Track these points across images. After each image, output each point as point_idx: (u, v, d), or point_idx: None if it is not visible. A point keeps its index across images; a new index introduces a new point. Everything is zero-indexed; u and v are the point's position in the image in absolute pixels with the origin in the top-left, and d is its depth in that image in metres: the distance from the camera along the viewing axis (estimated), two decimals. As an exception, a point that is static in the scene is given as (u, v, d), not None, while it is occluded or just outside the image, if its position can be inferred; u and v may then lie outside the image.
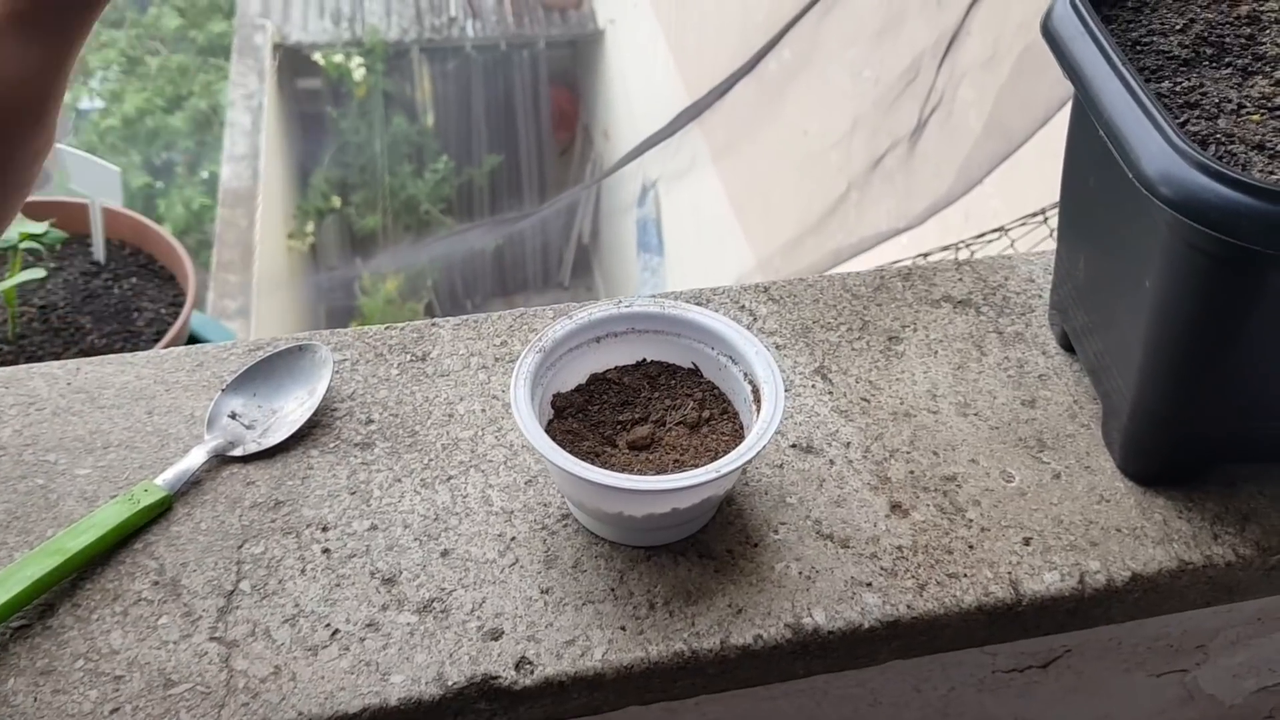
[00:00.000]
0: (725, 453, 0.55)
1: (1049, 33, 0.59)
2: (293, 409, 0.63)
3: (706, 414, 0.60)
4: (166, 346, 1.11)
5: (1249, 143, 0.52)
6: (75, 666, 0.51)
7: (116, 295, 1.29)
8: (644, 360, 0.62)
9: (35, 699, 0.50)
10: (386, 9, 5.81)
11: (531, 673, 0.52)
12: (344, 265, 5.52)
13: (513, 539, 0.57)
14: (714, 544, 0.57)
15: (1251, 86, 0.56)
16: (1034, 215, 1.42)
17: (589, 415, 0.60)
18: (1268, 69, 0.57)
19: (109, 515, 0.56)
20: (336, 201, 5.55)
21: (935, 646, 0.57)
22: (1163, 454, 0.60)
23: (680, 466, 0.57)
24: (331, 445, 0.62)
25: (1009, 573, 0.56)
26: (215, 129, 5.05)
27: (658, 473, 0.57)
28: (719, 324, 0.60)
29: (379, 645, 0.53)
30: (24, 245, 1.24)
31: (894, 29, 2.35)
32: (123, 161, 4.79)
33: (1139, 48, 0.59)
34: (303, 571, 0.56)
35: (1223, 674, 0.73)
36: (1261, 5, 0.61)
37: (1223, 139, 0.53)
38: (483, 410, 0.64)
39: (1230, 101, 0.55)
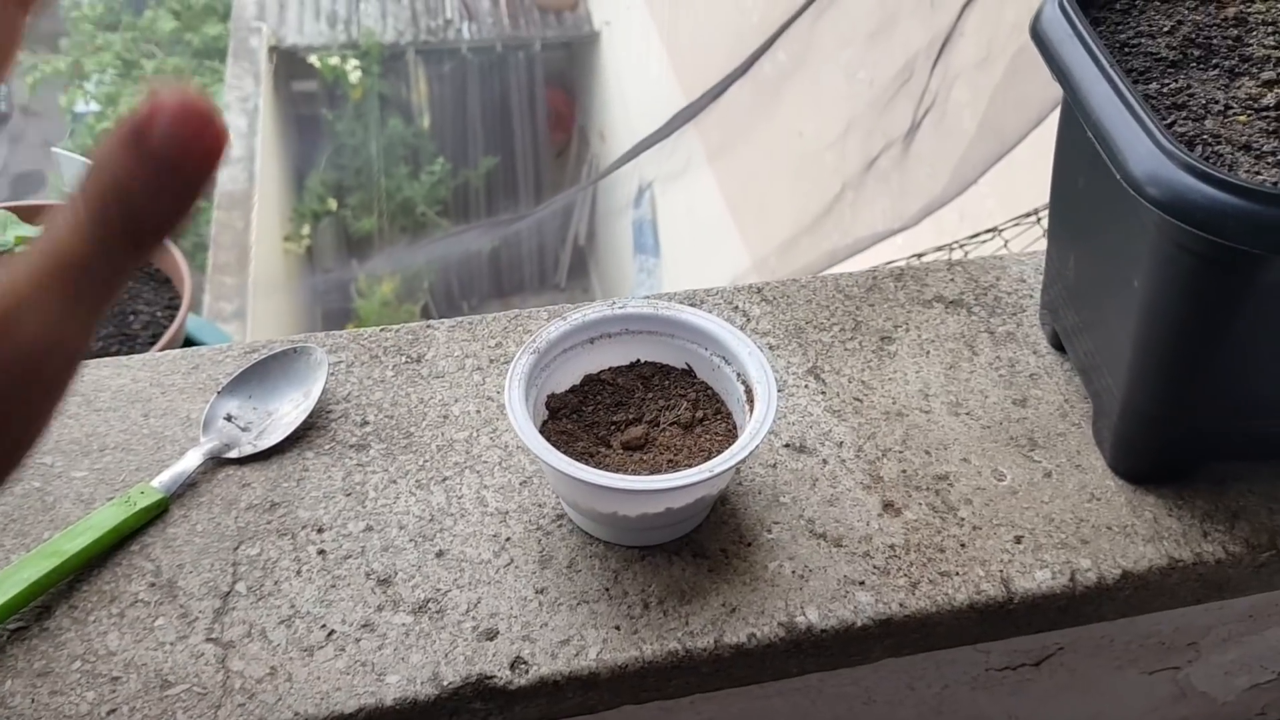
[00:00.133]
0: (719, 453, 0.55)
1: (1038, 35, 0.60)
2: (288, 411, 0.64)
3: (700, 414, 0.61)
4: (163, 349, 1.11)
5: (1235, 143, 0.53)
6: (72, 668, 0.52)
7: (112, 298, 1.29)
8: (638, 361, 0.63)
9: (33, 700, 0.50)
10: (382, 11, 5.82)
11: (526, 672, 0.52)
12: (340, 268, 5.53)
13: (508, 539, 0.58)
14: (708, 543, 0.58)
15: (1238, 88, 0.57)
16: (1027, 215, 1.42)
17: (583, 416, 0.61)
18: (1254, 70, 0.58)
19: (105, 517, 0.56)
20: (332, 204, 5.55)
21: (928, 644, 0.57)
22: (1153, 452, 0.61)
23: (674, 467, 0.57)
24: (327, 447, 0.62)
25: (1000, 571, 0.57)
26: (211, 132, 5.04)
27: (652, 473, 0.57)
28: (712, 325, 0.60)
29: (374, 646, 0.53)
30: (19, 249, 1.24)
31: (888, 30, 2.35)
32: (118, 165, 4.78)
33: (1127, 50, 0.59)
34: (298, 573, 0.56)
35: (1215, 671, 0.74)
36: (1248, 7, 0.62)
37: (1209, 140, 0.53)
38: (478, 411, 0.65)
39: (1217, 103, 0.56)
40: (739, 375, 0.59)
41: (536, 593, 0.55)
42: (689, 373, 0.62)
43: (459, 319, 0.71)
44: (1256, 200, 0.47)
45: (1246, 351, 0.55)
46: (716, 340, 0.60)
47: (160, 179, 0.26)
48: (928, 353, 0.69)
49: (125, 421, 0.63)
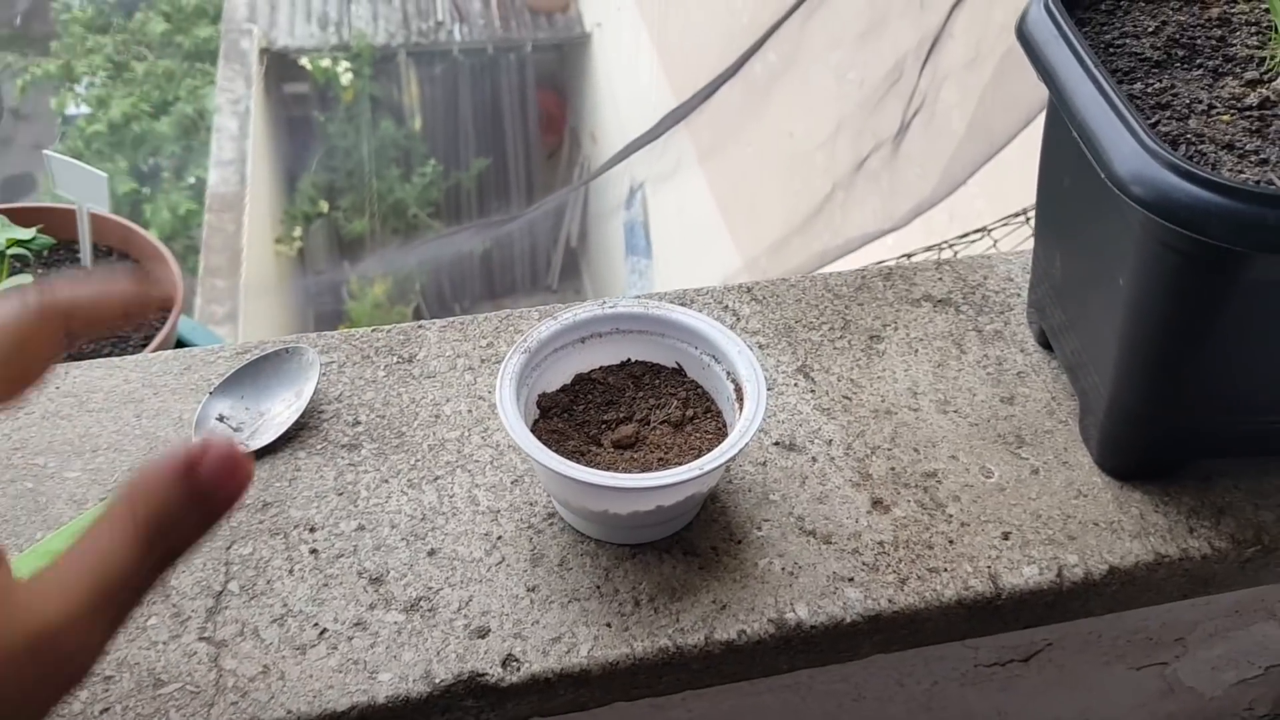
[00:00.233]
0: (709, 451, 0.55)
1: (1024, 36, 0.60)
2: (280, 411, 0.64)
3: (690, 413, 0.61)
4: (155, 351, 1.11)
5: (1219, 142, 0.53)
6: (65, 667, 0.52)
7: (104, 301, 1.29)
8: (629, 360, 0.63)
9: (26, 700, 0.50)
10: (373, 13, 5.81)
11: (518, 670, 0.52)
12: (332, 270, 5.52)
13: (499, 538, 0.58)
14: (698, 541, 0.58)
15: (1222, 87, 0.57)
16: (1016, 215, 1.43)
17: (574, 415, 0.61)
18: (1238, 70, 0.58)
19: (98, 518, 0.56)
20: (324, 206, 5.55)
21: (917, 640, 0.58)
22: (1139, 449, 0.61)
23: (664, 465, 0.58)
24: (319, 447, 0.63)
25: (988, 567, 0.57)
26: (202, 134, 5.04)
27: (642, 471, 0.57)
28: (702, 324, 0.61)
29: (367, 644, 0.53)
30: (11, 251, 1.24)
31: (877, 31, 2.36)
32: (109, 167, 4.78)
33: (1112, 50, 0.60)
34: (290, 572, 0.56)
35: (1202, 666, 0.74)
36: (1232, 8, 0.62)
37: (1193, 139, 0.54)
38: (469, 411, 0.65)
39: (1201, 102, 0.56)
40: (729, 374, 0.60)
41: (528, 590, 0.56)
42: (679, 371, 0.63)
43: (450, 319, 0.71)
44: (1239, 199, 0.48)
45: (1231, 349, 0.55)
46: (706, 339, 0.61)
47: (201, 507, 0.31)
48: (916, 351, 0.69)
49: (118, 422, 0.64)
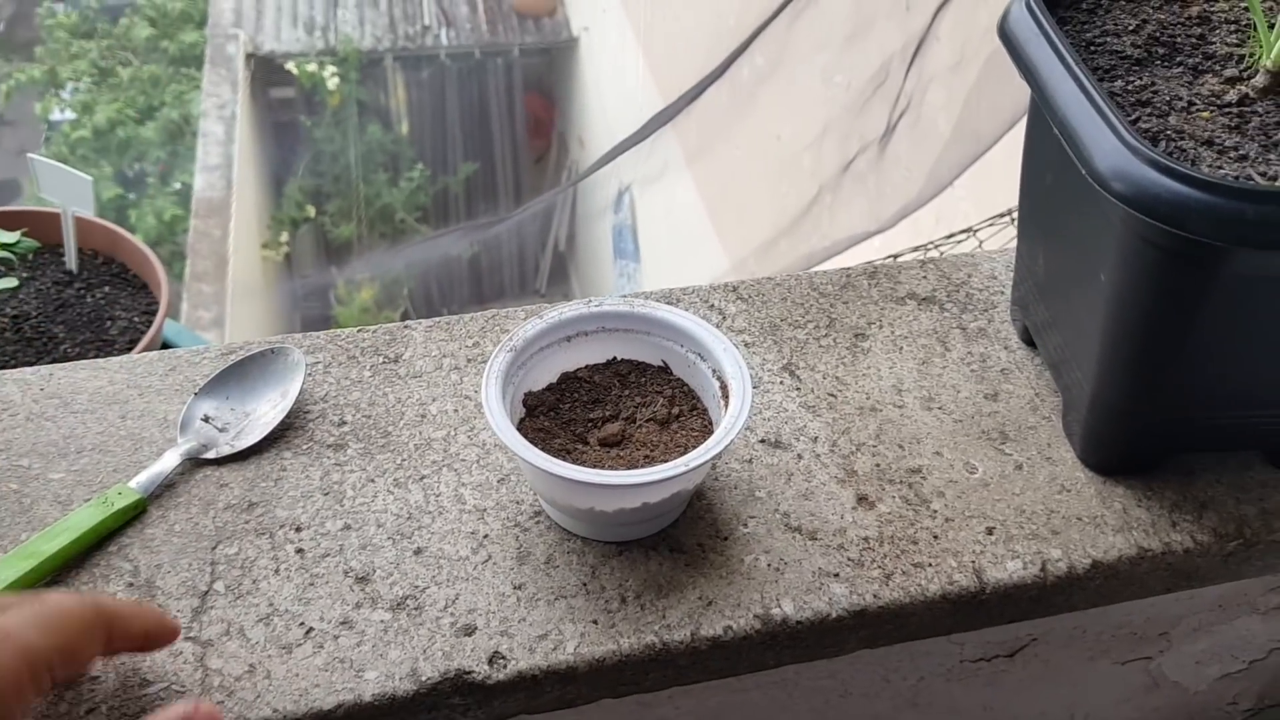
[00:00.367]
0: (695, 448, 0.55)
1: (1005, 35, 0.61)
2: (265, 411, 0.64)
3: (676, 410, 0.61)
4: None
5: (1198, 139, 0.54)
6: (50, 668, 0.52)
7: (89, 304, 1.29)
8: (614, 358, 0.63)
9: (11, 700, 0.50)
10: (360, 18, 5.80)
11: (504, 667, 0.53)
12: (319, 275, 5.51)
13: (485, 536, 0.58)
14: (684, 538, 0.58)
15: (1202, 84, 0.58)
16: (1002, 215, 1.44)
17: (560, 413, 0.61)
18: (1217, 68, 0.59)
19: (83, 518, 0.56)
20: (311, 211, 5.53)
21: (902, 635, 0.58)
22: (1121, 444, 0.62)
23: (651, 462, 0.58)
24: (304, 447, 0.63)
25: (972, 562, 0.58)
26: (188, 139, 5.03)
27: (628, 468, 0.57)
28: (687, 322, 0.61)
29: (353, 642, 0.53)
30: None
31: (863, 34, 2.37)
32: (94, 173, 4.76)
33: (1093, 48, 0.60)
34: (276, 571, 0.56)
35: (1186, 661, 0.75)
36: (1212, 6, 0.63)
37: (1173, 135, 0.54)
38: (455, 410, 0.65)
39: (1181, 99, 0.57)
40: (714, 371, 0.60)
41: (514, 588, 0.56)
42: (665, 370, 0.63)
43: (436, 319, 0.71)
44: (1218, 194, 0.48)
45: (1212, 344, 0.55)
46: (692, 337, 0.61)
47: None
48: (901, 349, 0.70)
49: (102, 423, 0.64)
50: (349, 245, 5.55)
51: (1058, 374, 0.66)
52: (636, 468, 0.57)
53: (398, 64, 5.78)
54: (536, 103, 6.16)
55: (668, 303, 0.70)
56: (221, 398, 0.64)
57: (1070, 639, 0.69)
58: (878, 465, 0.62)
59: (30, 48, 5.63)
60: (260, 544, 0.57)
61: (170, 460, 0.60)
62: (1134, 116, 0.55)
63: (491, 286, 6.00)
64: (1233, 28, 0.61)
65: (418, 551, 0.57)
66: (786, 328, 0.71)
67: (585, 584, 0.56)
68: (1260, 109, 0.56)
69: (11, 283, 1.22)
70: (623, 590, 0.56)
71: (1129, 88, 0.57)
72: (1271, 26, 0.57)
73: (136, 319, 1.28)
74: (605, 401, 0.62)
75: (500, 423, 0.54)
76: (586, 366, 0.63)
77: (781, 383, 0.67)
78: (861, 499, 0.60)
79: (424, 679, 0.52)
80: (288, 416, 0.63)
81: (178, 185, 5.07)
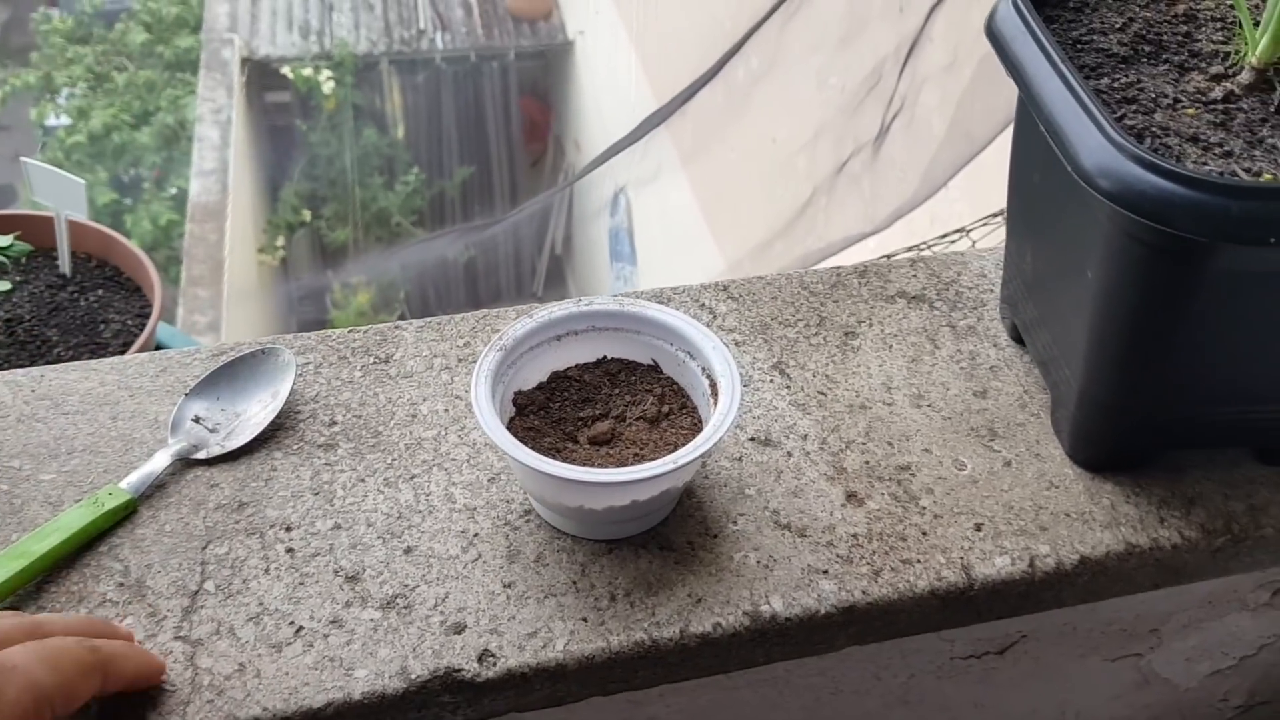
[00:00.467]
0: (684, 446, 0.56)
1: (992, 33, 0.61)
2: (256, 412, 0.64)
3: (666, 409, 0.61)
4: (133, 357, 1.11)
5: (1183, 135, 0.54)
6: (40, 668, 0.52)
7: (83, 307, 1.29)
8: (604, 357, 0.63)
9: (0, 700, 0.50)
10: (355, 22, 5.81)
11: (494, 665, 0.53)
12: (315, 279, 5.51)
13: (475, 535, 0.58)
14: (674, 536, 0.58)
15: (1187, 82, 0.58)
16: (995, 215, 1.44)
17: (550, 412, 0.61)
18: (1203, 65, 0.59)
19: (73, 519, 0.56)
20: (307, 215, 5.54)
21: (892, 632, 0.58)
22: (1109, 441, 0.62)
23: (640, 460, 0.58)
24: (295, 447, 0.63)
25: (961, 558, 0.58)
26: (183, 144, 5.03)
27: (618, 467, 0.58)
28: (677, 320, 0.61)
29: (343, 641, 0.53)
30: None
31: (856, 35, 2.38)
32: (89, 178, 4.76)
33: (1079, 46, 0.60)
34: (266, 571, 0.56)
35: (1176, 657, 0.75)
36: (1198, 4, 0.63)
37: (1159, 132, 0.54)
38: (445, 410, 0.65)
39: (1166, 96, 0.57)
40: (704, 370, 0.60)
41: (504, 587, 0.56)
42: (655, 368, 0.63)
43: (427, 319, 0.71)
44: (1203, 190, 0.48)
45: (1199, 340, 0.56)
46: (681, 335, 0.61)
47: None
48: (890, 347, 0.70)
49: (93, 424, 0.64)
50: (345, 249, 5.56)
51: (1046, 371, 0.66)
52: (626, 466, 0.57)
53: (393, 68, 5.79)
54: (532, 106, 6.17)
55: (658, 302, 0.70)
56: (212, 398, 0.64)
57: (1060, 636, 0.69)
58: (867, 463, 0.62)
59: (25, 53, 5.64)
60: (250, 543, 0.57)
61: (161, 461, 0.60)
62: (1119, 114, 0.56)
63: (488, 290, 6.01)
64: (1218, 25, 0.61)
65: (408, 550, 0.57)
66: (777, 326, 0.71)
67: (575, 582, 0.56)
68: (1245, 105, 0.56)
69: (4, 286, 1.22)
70: (612, 588, 0.56)
71: (1115, 85, 0.58)
72: (1256, 24, 0.57)
73: (130, 322, 1.28)
74: (595, 400, 0.62)
75: (490, 421, 0.54)
76: (576, 365, 0.63)
77: (771, 381, 0.67)
78: (851, 496, 0.61)
79: (414, 677, 0.52)
80: (278, 417, 0.64)
81: (173, 190, 5.07)
